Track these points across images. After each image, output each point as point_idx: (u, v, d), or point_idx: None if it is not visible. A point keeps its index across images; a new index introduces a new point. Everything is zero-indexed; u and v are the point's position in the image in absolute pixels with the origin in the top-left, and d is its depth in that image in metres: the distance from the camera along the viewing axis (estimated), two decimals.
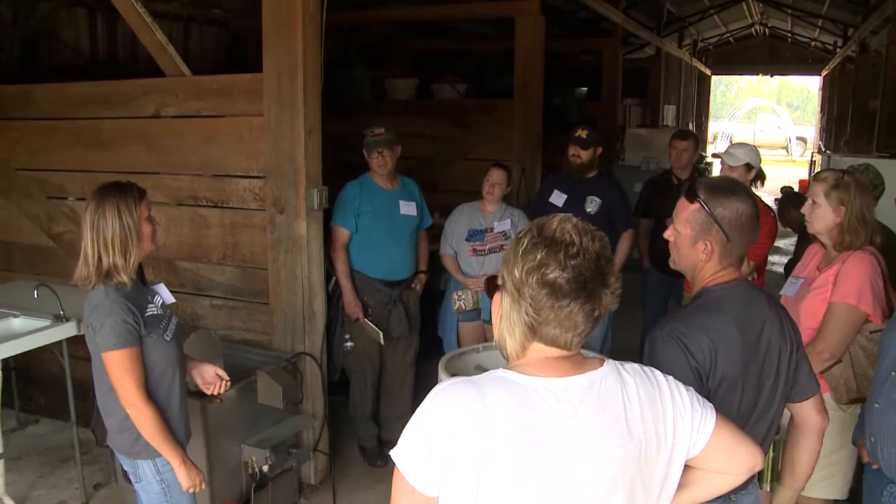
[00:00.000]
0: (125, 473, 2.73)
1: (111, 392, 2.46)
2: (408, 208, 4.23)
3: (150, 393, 2.47)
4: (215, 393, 2.77)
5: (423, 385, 3.91)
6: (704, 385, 1.78)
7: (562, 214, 1.42)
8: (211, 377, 2.74)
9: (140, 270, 2.58)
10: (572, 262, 1.34)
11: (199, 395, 2.96)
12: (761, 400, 1.88)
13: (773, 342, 1.90)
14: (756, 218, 1.88)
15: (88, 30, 6.11)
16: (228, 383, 2.78)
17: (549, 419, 1.34)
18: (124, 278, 2.42)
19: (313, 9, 3.61)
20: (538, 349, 1.41)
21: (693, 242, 1.90)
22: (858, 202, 2.69)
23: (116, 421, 2.52)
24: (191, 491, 2.54)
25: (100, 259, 2.41)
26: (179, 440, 2.56)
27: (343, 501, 3.89)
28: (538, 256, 1.35)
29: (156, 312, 2.52)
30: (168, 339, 2.53)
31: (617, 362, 1.46)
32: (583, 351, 1.45)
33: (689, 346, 1.78)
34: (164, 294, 2.66)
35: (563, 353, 1.40)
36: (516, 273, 1.37)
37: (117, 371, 2.39)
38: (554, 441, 1.33)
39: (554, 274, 1.34)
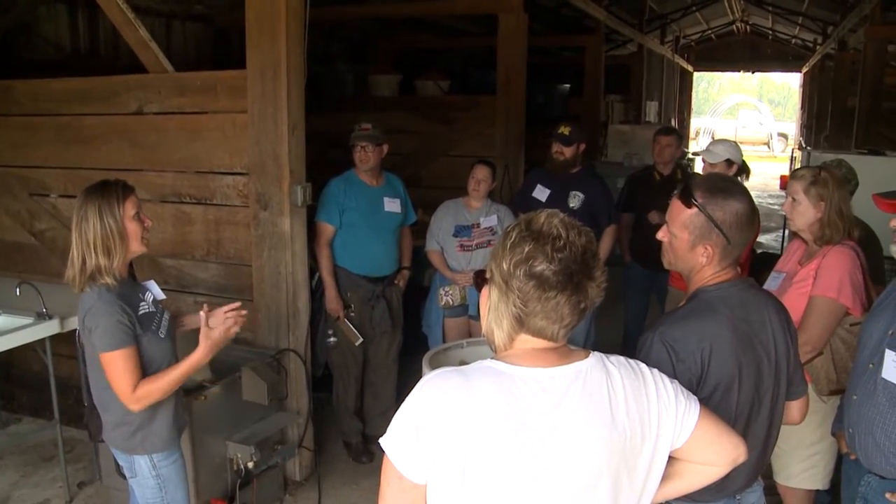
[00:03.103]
0: (118, 468, 2.72)
1: (109, 389, 2.45)
2: (392, 205, 4.23)
3: None
4: (236, 330, 2.57)
5: (406, 381, 3.92)
6: (696, 390, 1.77)
7: (549, 210, 1.45)
8: (221, 318, 2.55)
9: (130, 268, 2.56)
10: (559, 256, 1.37)
11: (184, 392, 2.95)
12: (759, 399, 1.88)
13: (773, 341, 1.90)
14: (753, 214, 1.88)
15: (69, 25, 6.05)
16: (244, 312, 2.60)
17: (535, 408, 1.36)
18: (108, 280, 2.40)
19: (297, 4, 3.60)
20: (525, 340, 1.44)
21: (692, 247, 1.87)
22: (837, 196, 2.75)
23: (113, 416, 2.51)
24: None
25: (84, 261, 2.40)
26: (176, 432, 2.58)
27: (328, 497, 3.90)
28: (526, 249, 1.38)
29: (148, 310, 2.52)
30: (162, 336, 2.53)
31: (602, 354, 1.48)
32: (568, 344, 1.47)
33: (679, 352, 1.78)
34: (155, 290, 2.65)
35: (550, 344, 1.43)
36: (504, 266, 1.40)
37: (114, 372, 2.37)
38: (539, 429, 1.36)
39: (541, 266, 1.37)
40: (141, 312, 2.47)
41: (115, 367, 2.37)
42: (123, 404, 2.42)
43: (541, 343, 1.43)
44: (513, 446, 1.34)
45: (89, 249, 2.39)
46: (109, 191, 2.44)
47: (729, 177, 1.98)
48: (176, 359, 2.61)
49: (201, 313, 2.53)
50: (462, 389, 1.36)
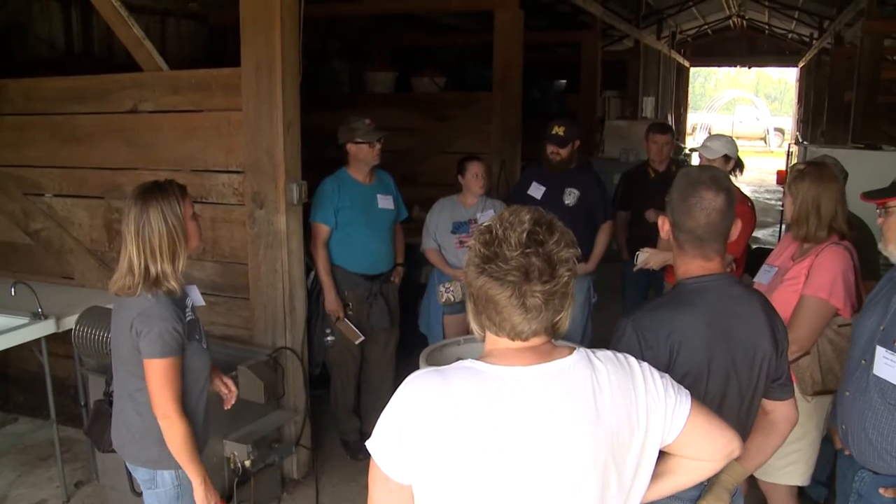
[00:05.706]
0: (132, 484, 2.64)
1: (136, 395, 2.36)
2: (385, 202, 4.23)
3: (181, 400, 2.37)
4: (227, 408, 2.76)
5: (403, 378, 3.91)
6: None
7: (515, 207, 1.45)
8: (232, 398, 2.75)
9: None
10: (490, 251, 1.37)
11: None
12: (730, 394, 1.88)
13: (751, 338, 1.89)
14: (714, 211, 1.86)
15: (63, 23, 6.03)
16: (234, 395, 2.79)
17: (516, 407, 1.36)
18: (174, 284, 2.31)
19: (291, 2, 3.59)
20: (497, 340, 1.43)
21: (666, 231, 1.96)
22: (811, 192, 2.73)
23: (138, 429, 2.39)
24: None
25: (146, 268, 2.27)
26: (201, 444, 2.47)
27: (326, 495, 3.90)
28: (474, 246, 1.42)
29: (192, 317, 2.43)
30: (205, 347, 2.46)
31: (589, 350, 1.47)
32: (555, 341, 1.47)
33: (648, 339, 1.80)
34: (195, 296, 2.54)
35: (527, 343, 1.41)
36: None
37: (158, 380, 2.27)
38: (521, 429, 1.35)
39: (476, 260, 1.40)
40: (187, 319, 2.38)
41: (159, 375, 2.27)
42: (154, 415, 2.31)
43: (514, 343, 1.41)
44: (494, 446, 1.34)
45: (153, 255, 2.27)
46: (167, 191, 2.32)
47: (714, 173, 1.97)
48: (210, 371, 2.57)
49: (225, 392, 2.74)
50: (441, 390, 1.36)
